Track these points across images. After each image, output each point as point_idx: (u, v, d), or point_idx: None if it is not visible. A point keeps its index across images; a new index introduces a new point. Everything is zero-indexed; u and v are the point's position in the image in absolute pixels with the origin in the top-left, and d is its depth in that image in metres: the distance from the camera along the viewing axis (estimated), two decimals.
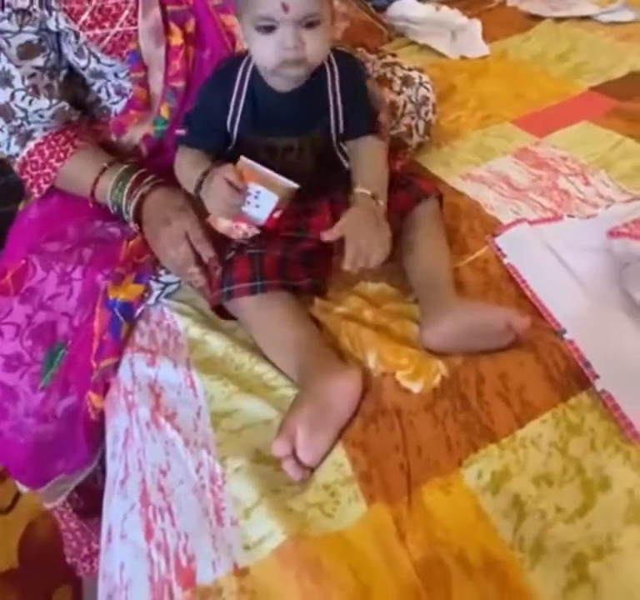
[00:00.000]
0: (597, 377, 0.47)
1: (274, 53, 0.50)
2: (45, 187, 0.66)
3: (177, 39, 0.62)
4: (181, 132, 0.60)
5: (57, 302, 0.62)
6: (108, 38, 0.61)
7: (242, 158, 0.53)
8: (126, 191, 0.63)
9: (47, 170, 0.65)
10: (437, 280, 0.56)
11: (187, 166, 0.58)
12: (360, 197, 0.55)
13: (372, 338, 0.53)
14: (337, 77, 0.58)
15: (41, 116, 0.63)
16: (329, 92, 0.57)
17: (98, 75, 0.66)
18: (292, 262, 0.58)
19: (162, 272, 0.63)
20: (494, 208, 0.69)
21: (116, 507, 0.47)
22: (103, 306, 0.61)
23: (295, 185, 0.53)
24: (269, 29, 0.50)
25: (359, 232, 0.52)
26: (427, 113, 0.80)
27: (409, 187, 0.61)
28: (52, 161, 0.65)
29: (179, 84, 0.64)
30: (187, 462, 0.47)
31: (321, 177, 0.61)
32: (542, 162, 0.77)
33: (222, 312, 0.58)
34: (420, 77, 0.81)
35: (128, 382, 0.57)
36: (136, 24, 0.61)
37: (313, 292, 0.60)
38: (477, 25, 1.22)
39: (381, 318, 0.57)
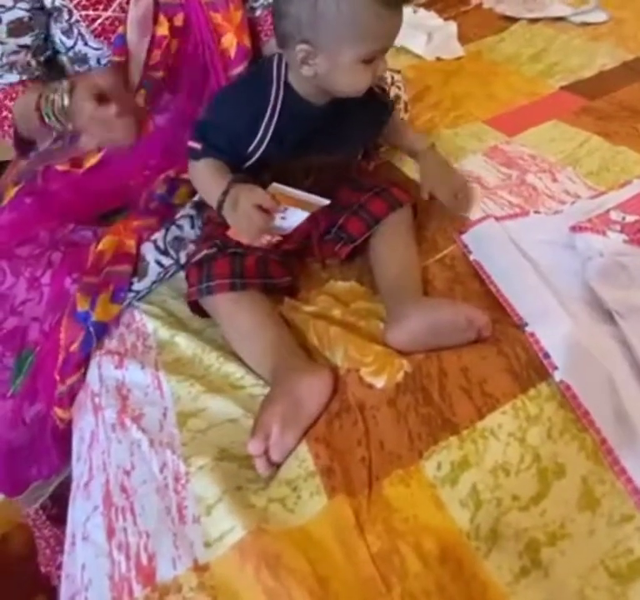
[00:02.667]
0: (556, 368, 0.48)
1: (368, 81, 0.54)
2: (9, 129, 0.66)
3: (162, 30, 0.64)
4: (195, 145, 0.58)
5: (28, 307, 0.63)
6: (100, 21, 0.63)
7: (274, 184, 0.52)
8: (51, 90, 0.59)
9: (4, 113, 0.65)
10: (404, 284, 0.58)
11: (207, 180, 0.57)
12: (426, 151, 0.68)
13: (339, 336, 0.55)
14: None
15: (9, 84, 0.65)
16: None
17: (81, 60, 0.67)
18: (271, 261, 0.60)
19: (134, 279, 0.64)
20: None
21: (79, 510, 0.48)
22: (71, 317, 0.61)
23: (326, 201, 0.53)
24: (369, 61, 0.52)
25: (446, 179, 0.65)
26: (399, 112, 0.83)
27: (384, 195, 0.63)
28: (7, 102, 0.65)
29: (157, 74, 0.65)
30: (152, 462, 0.48)
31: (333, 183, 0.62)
32: (511, 161, 0.79)
33: (196, 308, 0.60)
34: (392, 77, 0.84)
35: (96, 385, 0.58)
36: (128, 11, 0.62)
37: (289, 290, 0.62)
38: (452, 27, 1.26)
39: (349, 317, 0.58)
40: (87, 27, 0.63)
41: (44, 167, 0.69)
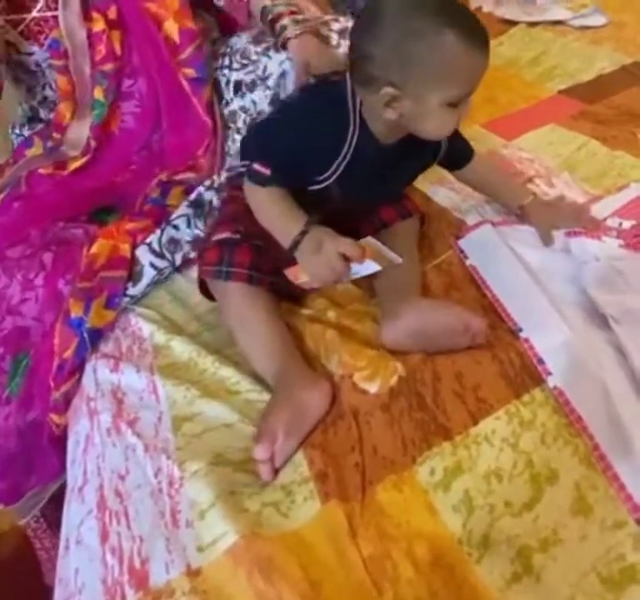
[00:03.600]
0: (549, 373, 0.49)
1: (454, 125, 0.52)
2: None
3: (99, 25, 0.64)
4: (262, 170, 0.53)
5: (27, 306, 0.64)
6: (25, 23, 0.63)
7: (369, 238, 0.52)
8: None
9: None
10: (403, 286, 0.59)
11: (276, 212, 0.54)
12: (531, 204, 0.66)
13: (334, 341, 0.55)
14: None
15: None
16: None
17: (26, 71, 0.68)
18: (286, 263, 0.59)
19: (129, 284, 0.65)
20: (462, 212, 0.72)
21: (73, 514, 0.48)
22: (65, 323, 0.61)
23: (400, 260, 0.52)
24: (455, 104, 0.50)
25: (563, 217, 0.64)
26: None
27: (395, 204, 0.65)
28: None
29: (107, 67, 0.66)
30: (146, 466, 0.48)
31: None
32: (508, 164, 0.80)
33: (203, 286, 0.60)
34: None
35: (91, 389, 0.58)
36: (55, 10, 0.63)
37: (295, 297, 0.62)
38: None
39: (344, 319, 0.59)
40: (14, 28, 0.63)
41: (27, 172, 0.70)
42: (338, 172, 0.54)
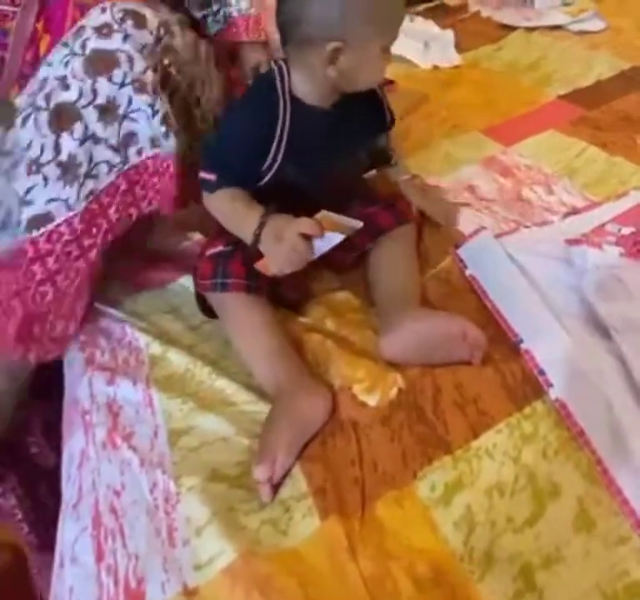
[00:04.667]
0: (551, 385, 0.49)
1: (385, 71, 0.56)
2: None
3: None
4: (208, 177, 0.56)
5: None
6: None
7: (324, 212, 0.52)
8: None
9: None
10: (401, 295, 0.59)
11: (232, 213, 0.56)
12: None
13: (332, 351, 0.55)
14: None
15: None
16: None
17: None
18: (255, 257, 0.59)
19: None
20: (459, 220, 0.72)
21: (68, 531, 0.48)
22: None
23: (360, 224, 0.53)
24: (387, 50, 0.54)
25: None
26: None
27: (392, 209, 0.65)
28: None
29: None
30: (142, 482, 0.48)
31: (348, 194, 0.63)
32: (507, 171, 0.80)
33: (201, 302, 0.60)
34: None
35: (86, 402, 0.58)
36: (17, 6, 0.59)
37: (293, 305, 0.62)
38: (449, 35, 1.28)
39: (342, 329, 0.59)
40: None
41: None
42: (281, 151, 0.56)
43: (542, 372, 0.50)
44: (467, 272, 0.63)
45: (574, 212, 0.70)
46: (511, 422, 0.47)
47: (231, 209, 0.56)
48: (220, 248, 0.59)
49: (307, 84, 0.56)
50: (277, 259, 0.53)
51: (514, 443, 0.46)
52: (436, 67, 1.19)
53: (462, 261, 0.65)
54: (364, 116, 0.61)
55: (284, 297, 0.60)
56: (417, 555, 0.40)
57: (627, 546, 0.39)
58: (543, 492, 0.42)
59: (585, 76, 1.04)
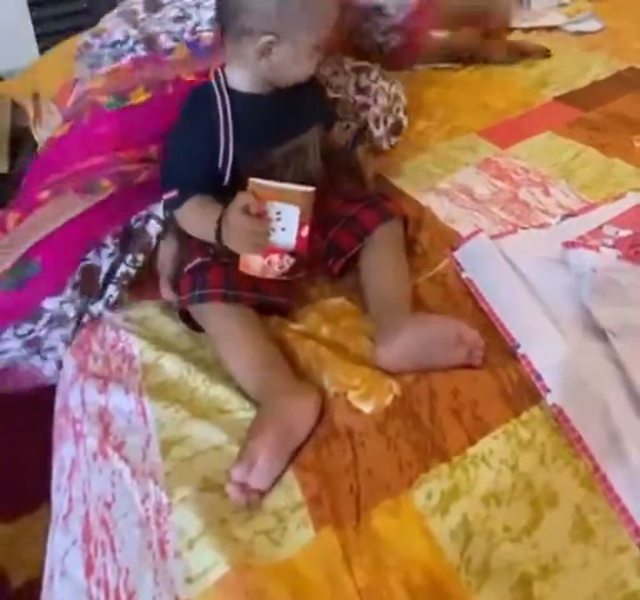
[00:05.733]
0: (548, 390, 0.49)
1: (314, 67, 0.59)
2: None
3: None
4: (171, 195, 0.58)
5: None
6: None
7: (252, 179, 0.53)
8: None
9: None
10: (393, 300, 0.59)
11: (198, 220, 0.58)
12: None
13: (327, 358, 0.55)
14: None
15: None
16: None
17: None
18: (266, 279, 0.59)
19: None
20: (454, 221, 0.72)
21: (58, 544, 0.47)
22: None
23: (310, 188, 0.53)
24: (318, 47, 0.57)
25: None
26: (398, 111, 0.86)
27: (375, 207, 0.65)
28: None
29: None
30: (133, 493, 0.48)
31: (320, 184, 0.62)
32: (503, 173, 0.80)
33: (186, 318, 0.60)
34: (393, 81, 0.86)
35: (77, 410, 0.58)
36: None
37: (282, 310, 0.62)
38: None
39: (337, 336, 0.59)
40: None
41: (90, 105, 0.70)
42: (230, 141, 0.58)
43: (539, 378, 0.50)
44: (464, 275, 0.63)
45: (571, 214, 0.70)
46: (508, 428, 0.47)
47: (198, 217, 0.58)
48: (198, 260, 0.60)
49: (243, 74, 0.59)
50: (237, 246, 0.54)
51: (511, 450, 0.45)
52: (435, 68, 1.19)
53: (458, 263, 0.65)
54: (308, 102, 0.63)
55: (273, 303, 0.60)
56: (413, 565, 0.40)
57: (625, 555, 0.39)
58: (541, 500, 0.42)
59: (581, 77, 1.04)
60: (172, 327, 0.65)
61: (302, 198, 0.52)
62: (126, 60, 0.74)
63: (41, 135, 1.08)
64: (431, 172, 0.85)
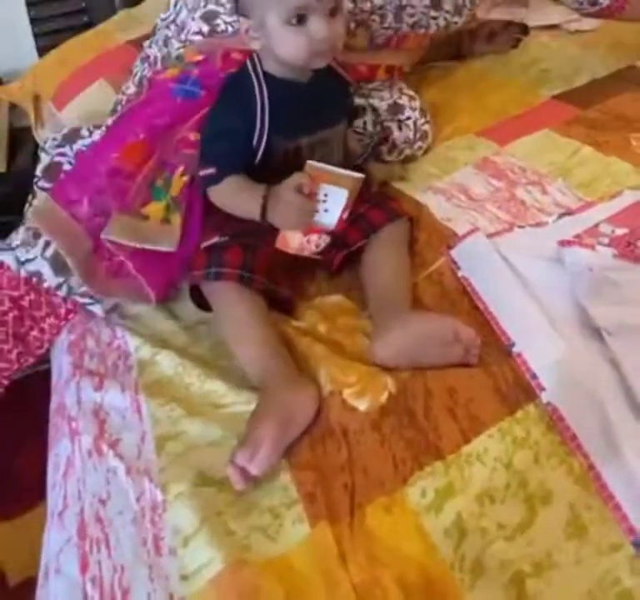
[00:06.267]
0: (543, 389, 0.49)
1: (309, 46, 0.54)
2: None
3: None
4: (209, 171, 0.59)
5: None
6: None
7: (310, 162, 0.55)
8: None
9: None
10: (393, 296, 0.59)
11: (239, 197, 0.59)
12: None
13: (323, 356, 0.55)
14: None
15: None
16: (339, 70, 0.63)
17: None
18: (278, 269, 0.61)
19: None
20: (451, 220, 0.72)
21: (53, 541, 0.47)
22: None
23: (361, 175, 0.55)
24: (300, 21, 0.53)
25: None
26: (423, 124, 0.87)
27: (383, 206, 0.66)
28: None
29: None
30: (128, 491, 0.48)
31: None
32: (501, 172, 0.80)
33: (195, 295, 0.61)
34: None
35: (73, 408, 0.58)
36: None
37: (285, 307, 0.62)
38: None
39: (334, 334, 0.59)
40: None
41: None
42: (266, 122, 0.59)
43: (534, 376, 0.50)
44: (460, 274, 0.63)
45: (568, 212, 0.69)
46: (502, 426, 0.47)
47: (237, 195, 0.59)
48: (215, 240, 0.60)
49: (268, 59, 0.59)
50: (282, 223, 0.56)
51: (506, 448, 0.45)
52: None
53: (454, 262, 0.65)
54: (339, 98, 0.64)
55: (279, 295, 0.61)
56: (407, 563, 0.40)
57: (619, 553, 0.39)
58: (535, 498, 0.42)
59: (579, 75, 1.04)
60: (167, 324, 0.65)
61: (352, 183, 0.55)
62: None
63: (42, 136, 1.08)
64: (429, 172, 0.84)
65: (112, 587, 0.42)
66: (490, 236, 0.66)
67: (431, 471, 0.45)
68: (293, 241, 0.57)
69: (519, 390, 0.50)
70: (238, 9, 0.59)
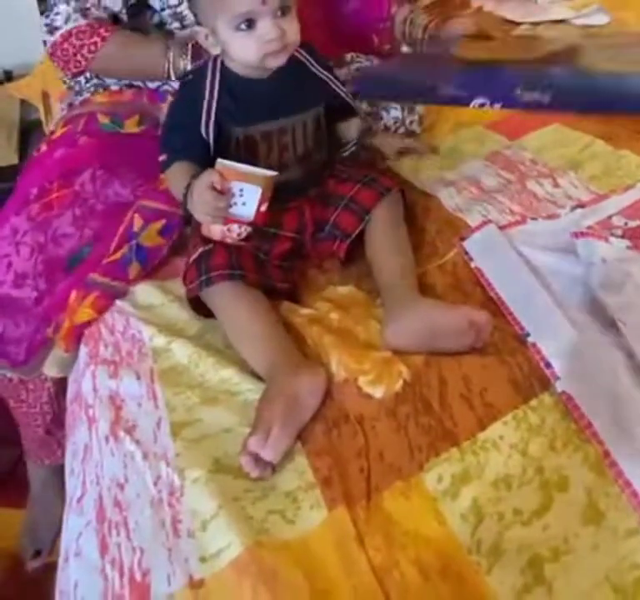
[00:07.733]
0: (557, 378, 0.49)
1: (258, 48, 0.55)
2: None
3: None
4: (161, 158, 0.61)
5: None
6: None
7: (219, 160, 0.56)
8: None
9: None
10: (400, 281, 0.59)
11: (174, 184, 0.60)
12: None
13: (334, 343, 0.55)
14: (308, 55, 0.63)
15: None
16: (313, 68, 0.63)
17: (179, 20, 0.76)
18: (270, 263, 0.62)
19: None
20: (463, 211, 0.72)
21: (72, 526, 0.48)
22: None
23: (273, 173, 0.56)
24: (250, 26, 0.54)
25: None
26: (411, 123, 0.88)
27: (371, 184, 0.65)
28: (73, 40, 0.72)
29: None
30: (145, 475, 0.48)
31: (314, 166, 0.65)
32: (512, 165, 0.80)
33: (197, 307, 0.61)
34: None
35: (89, 396, 0.58)
36: None
37: (289, 297, 0.63)
38: None
39: (346, 322, 0.59)
40: None
41: (88, 114, 0.76)
42: (212, 115, 0.59)
43: (548, 365, 0.50)
44: (473, 265, 0.63)
45: (581, 205, 0.69)
46: (517, 414, 0.47)
47: (177, 182, 0.60)
48: (200, 250, 0.61)
49: (232, 62, 0.59)
50: (196, 213, 0.56)
51: (521, 435, 0.45)
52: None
53: (467, 253, 0.65)
54: (307, 89, 0.63)
55: (276, 288, 0.61)
56: (425, 546, 0.40)
57: (636, 538, 0.39)
58: (551, 484, 0.42)
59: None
60: (181, 314, 0.65)
61: (263, 181, 0.56)
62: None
63: None
64: (438, 164, 0.84)
65: (131, 569, 0.42)
66: (502, 227, 0.66)
67: (447, 457, 0.45)
68: (215, 230, 0.59)
69: (534, 379, 0.50)
70: (196, 18, 0.61)
